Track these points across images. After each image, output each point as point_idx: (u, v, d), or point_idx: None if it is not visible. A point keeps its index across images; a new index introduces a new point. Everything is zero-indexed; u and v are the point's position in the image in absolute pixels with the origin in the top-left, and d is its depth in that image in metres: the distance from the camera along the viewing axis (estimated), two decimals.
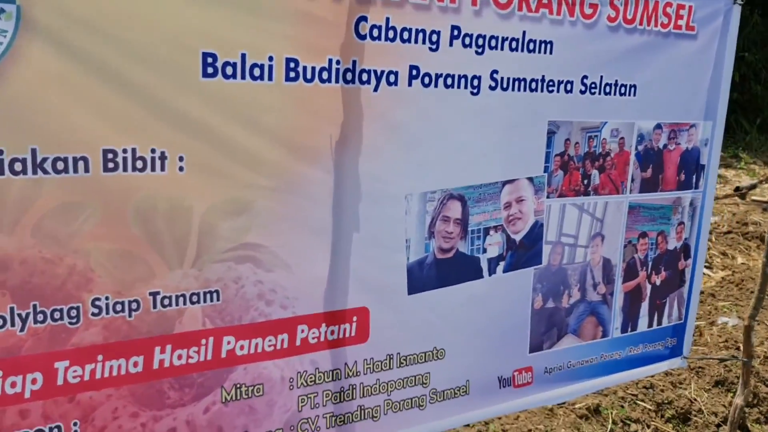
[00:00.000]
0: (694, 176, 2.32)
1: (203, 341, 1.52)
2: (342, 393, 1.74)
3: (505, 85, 1.84)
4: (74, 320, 1.37)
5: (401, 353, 1.82)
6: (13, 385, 1.33)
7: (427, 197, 1.80)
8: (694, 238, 2.39)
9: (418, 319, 1.84)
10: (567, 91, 1.96)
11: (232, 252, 1.53)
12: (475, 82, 1.79)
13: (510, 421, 2.87)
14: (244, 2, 1.43)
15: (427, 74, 1.71)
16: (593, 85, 2.01)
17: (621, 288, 2.26)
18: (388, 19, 1.61)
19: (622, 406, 3.11)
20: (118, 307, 1.41)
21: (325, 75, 1.56)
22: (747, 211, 6.49)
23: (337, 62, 1.57)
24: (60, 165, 1.31)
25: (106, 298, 1.39)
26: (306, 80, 1.54)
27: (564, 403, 2.94)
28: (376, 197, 1.70)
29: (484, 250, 1.93)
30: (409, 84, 1.69)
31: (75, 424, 1.40)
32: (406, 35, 1.65)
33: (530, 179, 1.99)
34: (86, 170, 1.34)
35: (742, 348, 2.81)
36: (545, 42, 1.87)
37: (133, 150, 1.37)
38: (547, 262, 2.08)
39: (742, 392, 2.73)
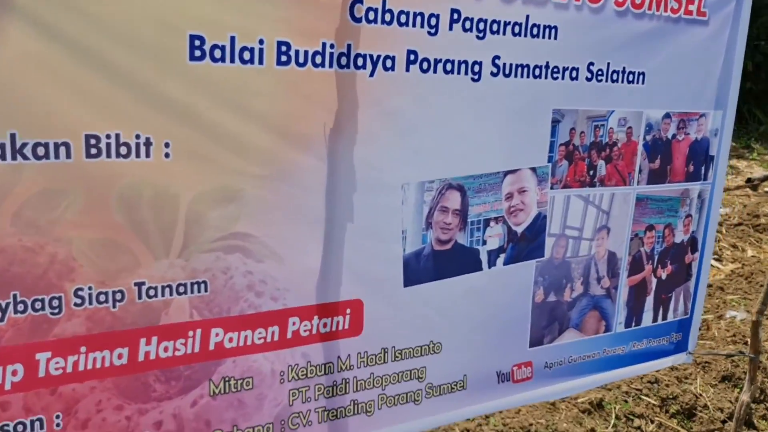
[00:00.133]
0: (703, 167, 2.25)
1: (190, 333, 1.48)
2: (335, 387, 1.70)
3: (507, 72, 1.78)
4: (56, 310, 1.33)
5: (396, 347, 1.78)
6: None
7: (425, 187, 1.75)
8: (701, 231, 2.33)
9: (414, 312, 1.79)
10: (572, 79, 1.89)
11: (221, 242, 1.48)
12: (476, 68, 1.73)
13: (511, 415, 2.83)
14: None
15: (426, 59, 1.65)
16: (600, 73, 1.94)
17: (626, 282, 2.20)
18: (384, 2, 1.55)
19: (626, 401, 3.06)
20: (102, 298, 1.37)
21: (318, 59, 1.51)
22: (759, 202, 6.38)
23: (331, 46, 1.51)
24: (41, 150, 1.27)
25: (89, 288, 1.35)
26: (298, 64, 1.48)
27: (566, 397, 2.89)
28: (371, 186, 1.65)
29: (484, 242, 1.88)
30: (407, 69, 1.63)
31: (57, 416, 1.36)
32: (403, 18, 1.59)
33: (533, 169, 1.93)
34: (68, 156, 1.29)
35: (749, 343, 2.74)
36: (549, 27, 1.80)
37: (117, 135, 1.33)
38: (550, 255, 2.02)
39: (749, 389, 2.67)
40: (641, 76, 2.02)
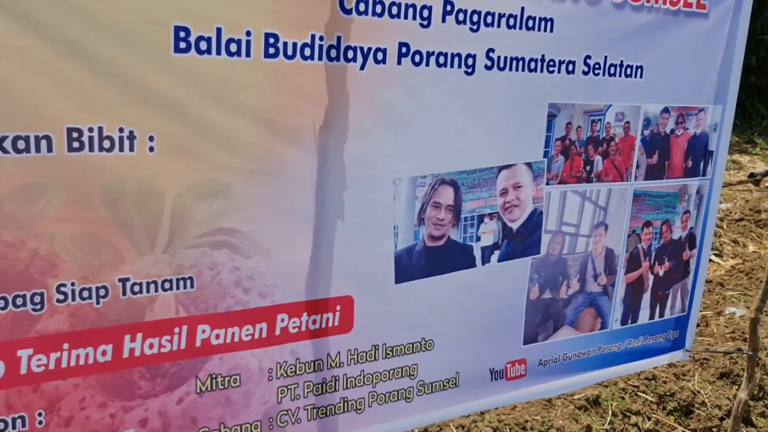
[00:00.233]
0: (702, 163, 2.22)
1: (176, 330, 1.45)
2: (324, 384, 1.68)
3: (502, 65, 1.74)
4: (38, 307, 1.31)
5: (387, 344, 1.75)
6: None
7: (417, 182, 1.72)
8: (700, 228, 2.30)
9: (406, 309, 1.76)
10: (569, 72, 1.86)
11: (207, 237, 1.46)
12: (470, 61, 1.69)
13: (507, 411, 2.81)
14: None
15: (418, 52, 1.62)
16: (597, 66, 1.90)
17: (623, 279, 2.18)
18: None
19: (623, 398, 3.04)
20: (85, 294, 1.35)
21: (307, 51, 1.48)
22: (760, 198, 6.34)
23: (321, 38, 1.48)
24: (21, 144, 1.24)
25: (72, 284, 1.33)
26: (287, 57, 1.45)
27: (562, 394, 2.86)
28: (362, 181, 1.62)
29: (478, 239, 1.85)
30: (399, 62, 1.60)
31: (40, 414, 1.34)
32: (395, 10, 1.55)
33: (528, 165, 1.89)
34: (49, 150, 1.26)
35: (748, 340, 2.71)
36: (545, 19, 1.76)
37: (100, 129, 1.30)
38: (546, 252, 1.99)
39: (747, 386, 2.64)
40: (639, 70, 1.98)
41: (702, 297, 4.12)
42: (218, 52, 1.38)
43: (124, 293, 1.38)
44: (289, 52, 1.46)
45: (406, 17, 1.57)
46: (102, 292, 1.36)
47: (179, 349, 1.47)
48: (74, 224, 1.31)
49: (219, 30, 1.37)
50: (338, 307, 1.66)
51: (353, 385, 1.72)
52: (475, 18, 1.66)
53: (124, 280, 1.38)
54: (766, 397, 3.24)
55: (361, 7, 1.51)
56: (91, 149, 1.30)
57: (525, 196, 1.91)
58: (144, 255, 1.39)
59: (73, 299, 1.34)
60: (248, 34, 1.40)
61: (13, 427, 1.32)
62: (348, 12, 1.50)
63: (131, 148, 1.33)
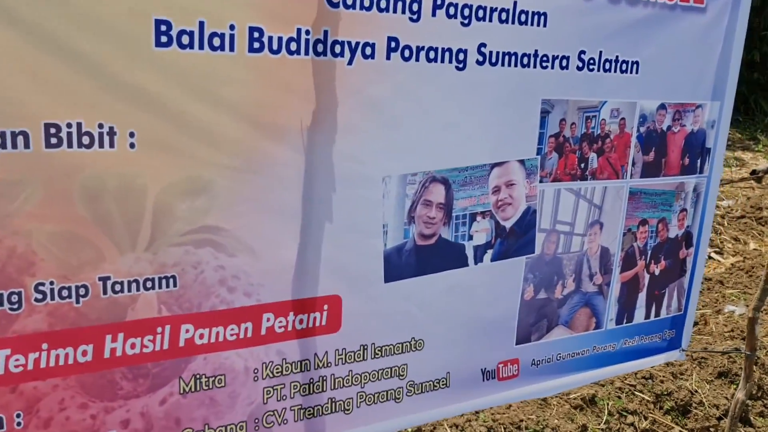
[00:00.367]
0: (699, 160, 2.19)
1: (159, 329, 1.43)
2: (311, 385, 1.65)
3: (493, 60, 1.71)
4: (15, 306, 1.28)
5: (376, 344, 1.73)
6: None
7: (407, 180, 1.69)
8: (696, 226, 2.26)
9: (396, 309, 1.74)
10: (562, 68, 1.82)
11: (191, 235, 1.43)
12: (461, 57, 1.66)
13: (501, 410, 2.79)
14: None
15: (408, 47, 1.59)
16: (591, 61, 1.87)
17: (618, 278, 2.15)
18: None
19: (619, 397, 3.01)
20: (65, 293, 1.32)
21: (293, 46, 1.44)
22: (762, 195, 6.29)
23: (307, 32, 1.45)
24: None
25: (51, 283, 1.30)
26: (272, 51, 1.42)
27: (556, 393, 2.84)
28: (350, 179, 1.59)
29: (470, 237, 1.82)
30: (388, 57, 1.57)
31: (18, 415, 1.32)
32: (383, 4, 1.52)
33: (521, 162, 1.86)
34: (26, 146, 1.23)
35: (746, 340, 2.68)
36: (538, 13, 1.73)
37: (79, 125, 1.27)
38: (540, 251, 1.96)
39: (744, 386, 2.62)
40: (635, 66, 1.95)
41: (700, 295, 4.09)
42: (201, 47, 1.35)
43: (104, 292, 1.36)
44: (275, 47, 1.42)
45: (395, 11, 1.54)
46: (82, 291, 1.33)
47: (162, 349, 1.44)
48: (53, 222, 1.29)
49: (201, 24, 1.34)
50: (326, 307, 1.63)
51: (341, 385, 1.69)
52: (466, 12, 1.63)
53: (104, 279, 1.35)
54: (765, 397, 3.21)
55: (349, 0, 1.48)
56: (70, 145, 1.27)
57: (518, 194, 1.88)
58: (125, 253, 1.37)
59: (52, 298, 1.31)
60: (232, 28, 1.37)
61: None
62: (335, 5, 1.47)
63: (111, 145, 1.31)
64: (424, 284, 1.76)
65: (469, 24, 1.65)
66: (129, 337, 1.40)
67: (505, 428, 2.70)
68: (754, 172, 6.98)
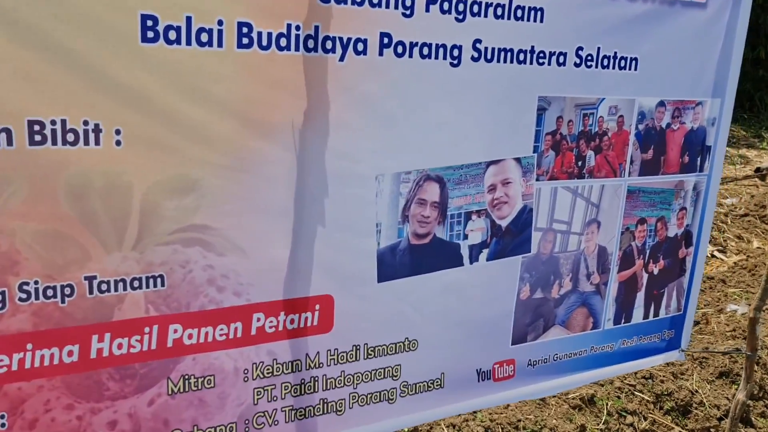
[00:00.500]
0: (699, 158, 2.15)
1: (146, 329, 1.41)
2: (303, 385, 1.63)
3: (489, 57, 1.68)
4: None
5: (369, 344, 1.71)
6: None
7: (401, 178, 1.66)
8: (696, 225, 2.23)
9: (389, 309, 1.71)
10: (559, 64, 1.80)
11: (179, 234, 1.41)
12: (455, 53, 1.63)
13: (499, 410, 2.76)
14: None
15: (401, 43, 1.56)
16: (589, 58, 1.84)
17: (615, 277, 2.12)
18: None
19: (619, 397, 2.98)
20: (50, 292, 1.30)
21: (283, 42, 1.42)
22: (766, 193, 6.25)
23: (297, 28, 1.43)
24: None
25: (35, 283, 1.28)
26: (261, 47, 1.40)
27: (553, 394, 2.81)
28: (343, 177, 1.57)
29: (465, 237, 1.79)
30: (380, 53, 1.54)
31: (2, 416, 1.30)
32: None
33: (518, 160, 1.84)
34: (9, 143, 1.21)
35: (747, 340, 2.65)
36: (535, 9, 1.70)
37: (63, 121, 1.25)
38: (537, 250, 1.93)
39: (745, 387, 2.58)
40: (634, 62, 1.91)
41: (702, 294, 4.06)
42: (188, 42, 1.33)
43: (90, 292, 1.34)
44: (264, 43, 1.40)
45: (387, 6, 1.51)
46: (67, 290, 1.32)
47: (150, 350, 1.42)
48: (37, 220, 1.27)
49: (189, 19, 1.32)
50: (317, 307, 1.61)
51: (333, 386, 1.67)
52: (461, 7, 1.60)
53: (90, 278, 1.33)
54: (766, 397, 3.18)
55: None
56: (54, 143, 1.25)
57: (514, 193, 1.85)
58: (111, 252, 1.35)
59: (37, 298, 1.29)
60: (220, 23, 1.35)
61: None
62: (326, 0, 1.44)
63: (97, 142, 1.28)
64: (418, 284, 1.74)
65: (463, 19, 1.62)
66: (116, 338, 1.38)
67: (502, 428, 2.68)
68: (758, 170, 6.93)
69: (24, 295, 1.28)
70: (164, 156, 1.36)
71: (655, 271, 2.19)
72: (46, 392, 1.33)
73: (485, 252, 1.83)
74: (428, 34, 1.58)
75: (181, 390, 1.47)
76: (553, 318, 2.02)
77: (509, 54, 1.71)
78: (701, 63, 2.05)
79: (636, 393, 3.02)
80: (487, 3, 1.63)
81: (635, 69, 1.92)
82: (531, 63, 1.75)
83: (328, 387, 1.67)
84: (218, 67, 1.37)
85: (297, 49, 1.44)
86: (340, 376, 1.68)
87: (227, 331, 1.50)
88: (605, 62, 1.87)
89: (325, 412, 1.68)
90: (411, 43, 1.57)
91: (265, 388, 1.58)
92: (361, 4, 1.48)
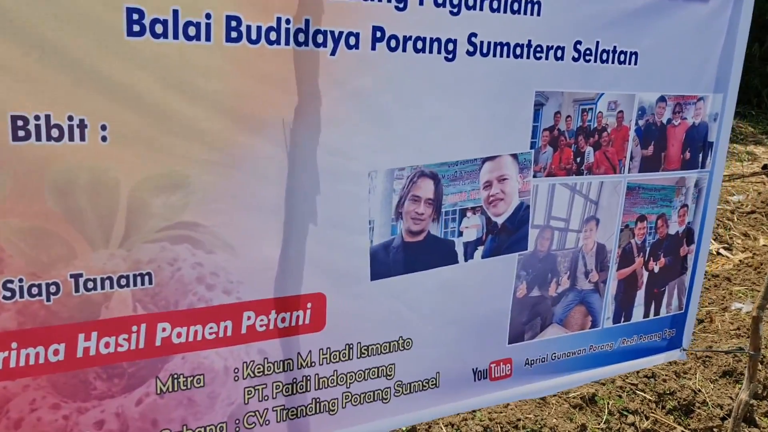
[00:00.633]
0: (701, 155, 2.12)
1: (134, 328, 1.39)
2: (294, 385, 1.61)
3: (485, 51, 1.65)
4: None
5: (362, 343, 1.68)
6: None
7: (395, 175, 1.64)
8: (698, 223, 2.20)
9: (382, 307, 1.69)
10: (557, 58, 1.76)
11: (167, 231, 1.39)
12: (450, 47, 1.60)
13: (498, 409, 2.74)
14: None
15: (394, 36, 1.53)
16: (588, 52, 1.80)
17: (615, 275, 2.09)
18: None
19: (620, 396, 2.95)
20: (35, 290, 1.28)
21: (273, 36, 1.39)
22: None
23: (287, 21, 1.40)
24: None
25: (20, 281, 1.27)
26: (250, 41, 1.37)
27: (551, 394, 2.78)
28: (335, 174, 1.54)
29: (460, 234, 1.77)
30: (373, 48, 1.51)
31: None
32: None
33: (514, 156, 1.81)
34: None
35: (750, 339, 2.61)
36: (532, 2, 1.67)
37: (47, 117, 1.23)
38: (533, 248, 1.91)
39: (748, 387, 2.55)
40: (634, 57, 1.88)
41: (707, 292, 4.02)
42: (175, 36, 1.30)
43: (76, 290, 1.32)
44: (253, 36, 1.38)
45: None
46: (53, 288, 1.30)
47: (137, 349, 1.40)
48: (21, 217, 1.25)
49: (176, 12, 1.29)
50: (309, 305, 1.58)
51: (326, 385, 1.65)
52: (456, 0, 1.57)
53: (76, 276, 1.31)
54: None
55: None
56: (38, 138, 1.23)
57: (510, 189, 1.82)
58: (98, 250, 1.33)
59: (21, 296, 1.27)
60: (208, 16, 1.32)
61: None
62: None
63: (82, 138, 1.26)
64: (412, 282, 1.71)
65: (458, 13, 1.59)
66: (103, 336, 1.36)
67: (501, 427, 2.65)
68: (765, 167, 6.87)
69: (8, 294, 1.26)
70: (152, 152, 1.33)
71: (656, 269, 2.16)
72: (32, 391, 1.31)
73: (480, 249, 1.80)
74: (422, 28, 1.56)
75: (170, 389, 1.45)
76: (550, 316, 1.99)
77: (505, 48, 1.68)
78: (703, 57, 2.01)
79: (638, 392, 2.99)
80: None
81: (635, 63, 1.89)
82: (528, 57, 1.72)
83: (321, 386, 1.64)
84: (206, 62, 1.34)
85: (287, 43, 1.41)
86: (333, 375, 1.66)
87: (217, 329, 1.48)
88: (604, 56, 1.83)
89: (318, 411, 1.65)
90: (404, 37, 1.54)
91: (256, 388, 1.56)
92: None
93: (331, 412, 1.67)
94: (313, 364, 1.62)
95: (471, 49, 1.63)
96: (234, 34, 1.36)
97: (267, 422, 1.59)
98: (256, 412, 1.57)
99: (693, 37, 1.95)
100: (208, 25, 1.33)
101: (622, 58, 1.86)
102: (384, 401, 1.75)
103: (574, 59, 1.79)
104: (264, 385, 1.57)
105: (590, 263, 2.03)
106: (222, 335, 1.49)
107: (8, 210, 1.23)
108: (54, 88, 1.22)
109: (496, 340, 1.91)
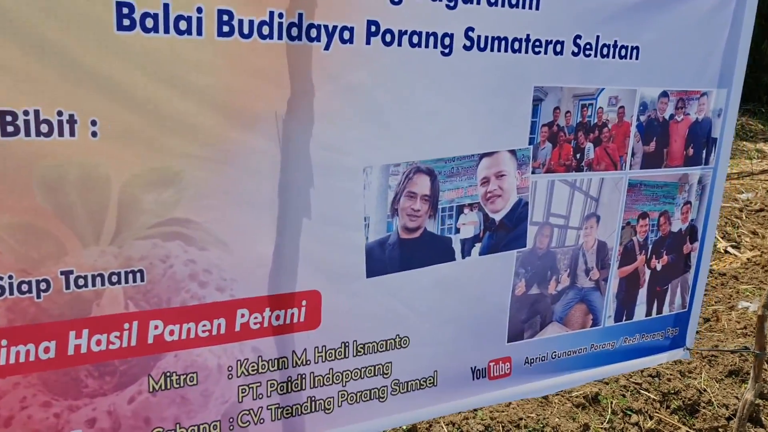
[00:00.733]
0: (705, 151, 2.09)
1: (126, 325, 1.38)
2: (289, 383, 1.59)
3: (482, 45, 1.63)
4: None
5: (358, 341, 1.66)
6: None
7: (390, 170, 1.62)
8: (702, 220, 2.16)
9: (379, 305, 1.67)
10: (556, 53, 1.74)
11: (159, 228, 1.37)
12: (447, 41, 1.58)
13: (500, 408, 2.71)
14: None
15: (389, 31, 1.51)
16: (588, 46, 1.78)
17: (616, 273, 2.06)
18: None
19: (624, 396, 2.92)
20: (24, 287, 1.27)
21: (265, 30, 1.38)
22: None
23: (280, 15, 1.38)
24: None
25: (9, 277, 1.26)
26: (242, 36, 1.36)
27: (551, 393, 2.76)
28: (329, 170, 1.53)
29: (457, 230, 1.75)
30: (368, 42, 1.50)
31: None
32: None
33: (512, 152, 1.78)
34: None
35: (755, 339, 2.58)
36: None
37: (36, 112, 1.22)
38: (532, 245, 1.88)
39: (753, 387, 2.52)
40: (635, 51, 1.85)
41: (713, 291, 3.97)
42: (166, 30, 1.29)
43: (67, 287, 1.31)
44: (245, 31, 1.36)
45: None
46: (43, 285, 1.29)
47: (129, 346, 1.39)
48: (10, 213, 1.24)
49: (166, 6, 1.28)
50: (304, 302, 1.57)
51: (321, 383, 1.63)
52: None
53: (67, 273, 1.30)
54: None
55: None
56: (27, 134, 1.22)
57: (508, 186, 1.80)
58: (89, 246, 1.31)
59: (11, 293, 1.26)
60: (199, 10, 1.31)
61: None
62: None
63: (72, 133, 1.25)
64: (408, 279, 1.69)
65: (455, 6, 1.57)
66: (94, 334, 1.35)
67: (503, 426, 2.63)
68: None
69: None
70: (143, 147, 1.32)
71: (658, 267, 2.13)
72: (22, 389, 1.30)
73: (478, 246, 1.78)
74: (418, 22, 1.54)
75: (163, 387, 1.44)
76: (550, 315, 1.97)
77: (503, 42, 1.66)
78: (706, 51, 1.98)
79: (642, 391, 2.96)
80: None
81: (636, 58, 1.86)
82: (526, 52, 1.69)
83: (316, 385, 1.63)
84: (198, 57, 1.33)
85: (280, 37, 1.40)
86: (329, 373, 1.64)
87: (210, 327, 1.47)
88: (605, 51, 1.80)
89: (313, 410, 1.64)
90: (400, 31, 1.52)
91: (250, 386, 1.55)
92: None
93: (326, 411, 1.66)
94: (308, 362, 1.61)
95: (468, 43, 1.61)
96: (226, 29, 1.34)
97: (261, 421, 1.57)
98: (251, 411, 1.56)
99: (696, 30, 1.92)
100: (199, 19, 1.31)
101: (623, 52, 1.84)
102: (380, 400, 1.73)
103: (574, 54, 1.76)
104: (258, 384, 1.55)
105: (591, 261, 2.00)
106: (215, 333, 1.47)
107: None
108: (43, 83, 1.21)
109: (495, 339, 1.88)
